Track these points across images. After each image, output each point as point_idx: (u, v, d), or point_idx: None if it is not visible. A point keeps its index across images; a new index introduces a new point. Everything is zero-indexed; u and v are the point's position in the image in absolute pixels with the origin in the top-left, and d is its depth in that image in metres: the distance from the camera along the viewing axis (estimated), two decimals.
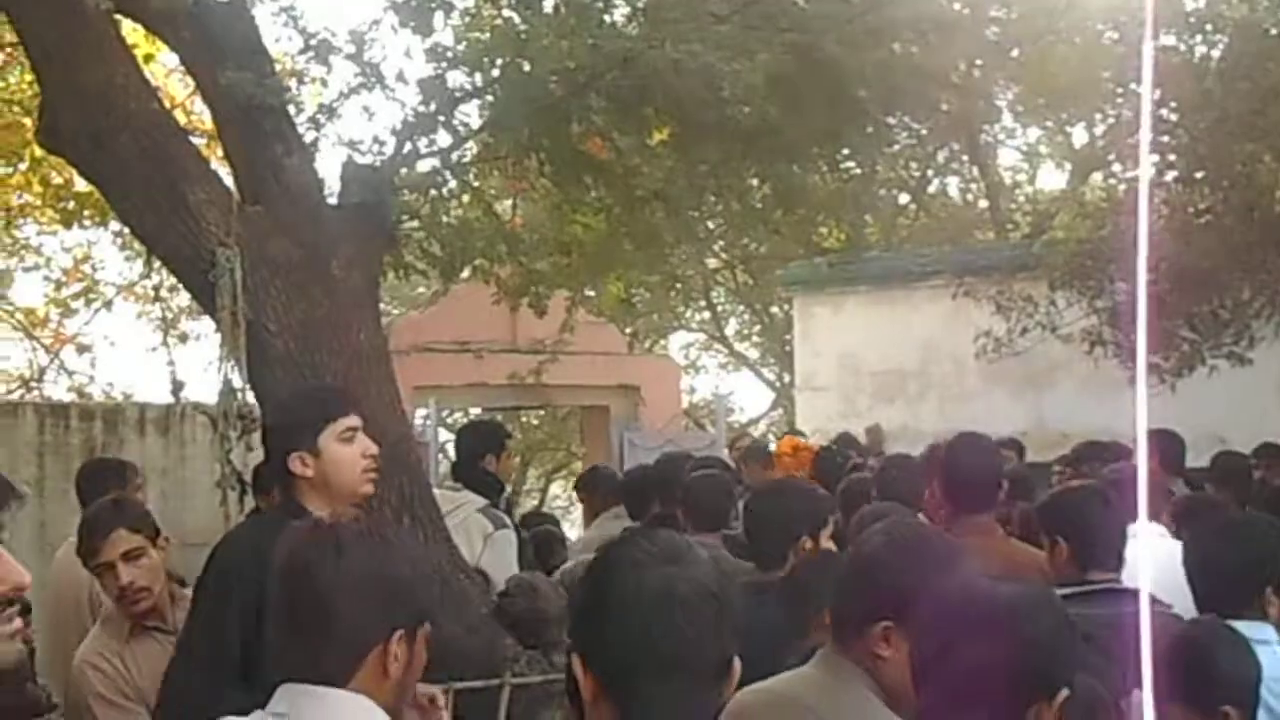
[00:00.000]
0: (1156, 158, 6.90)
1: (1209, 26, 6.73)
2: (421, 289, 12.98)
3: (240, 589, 3.06)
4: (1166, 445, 5.73)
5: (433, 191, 5.28)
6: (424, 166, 5.50)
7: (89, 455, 6.90)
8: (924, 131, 16.22)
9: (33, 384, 11.53)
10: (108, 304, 11.77)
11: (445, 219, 5.41)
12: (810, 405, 12.68)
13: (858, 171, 6.11)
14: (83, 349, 11.71)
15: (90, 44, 4.64)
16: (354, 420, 3.33)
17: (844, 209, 14.23)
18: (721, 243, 18.48)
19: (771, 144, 5.01)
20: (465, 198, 5.76)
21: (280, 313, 4.78)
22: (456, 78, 5.69)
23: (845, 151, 5.48)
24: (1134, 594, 3.15)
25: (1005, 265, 8.66)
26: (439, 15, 5.59)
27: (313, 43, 6.14)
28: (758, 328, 23.13)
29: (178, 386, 7.84)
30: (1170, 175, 6.94)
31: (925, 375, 11.49)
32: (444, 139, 5.69)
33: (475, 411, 10.92)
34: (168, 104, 8.33)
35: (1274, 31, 6.47)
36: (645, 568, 1.68)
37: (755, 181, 5.54)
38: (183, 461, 7.58)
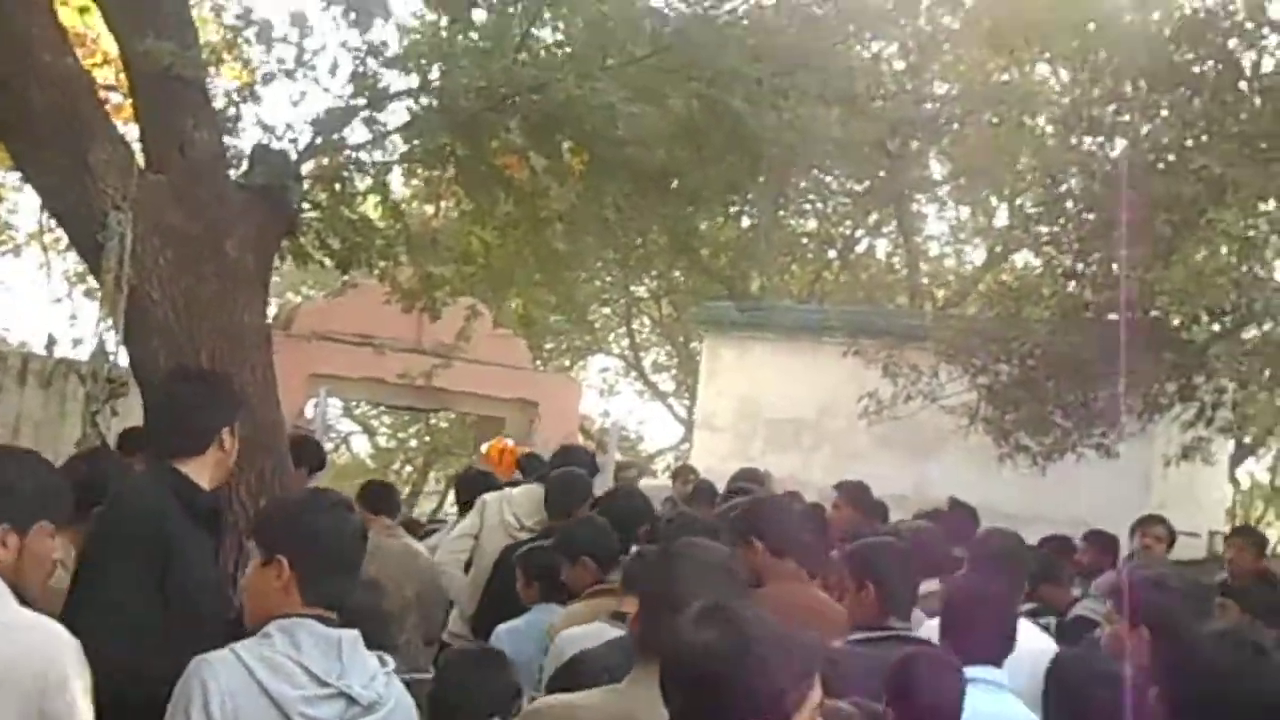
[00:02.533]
0: (1051, 249, 7.18)
1: (1104, 132, 7.03)
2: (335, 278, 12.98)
3: (155, 550, 3.30)
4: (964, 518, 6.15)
5: (337, 185, 5.32)
6: (339, 159, 5.61)
7: None
8: (856, 191, 16.72)
9: None
10: (16, 249, 11.60)
11: (347, 213, 5.46)
12: (707, 444, 12.85)
13: (755, 223, 6.27)
14: None
15: None
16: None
17: (744, 257, 14.57)
18: (653, 273, 18.83)
19: (672, 186, 5.15)
20: (372, 197, 5.83)
21: (165, 283, 4.81)
22: (390, 77, 5.80)
23: (743, 203, 5.62)
24: (919, 641, 3.42)
25: (899, 331, 8.89)
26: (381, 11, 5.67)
27: (254, 19, 6.25)
28: (675, 361, 23.37)
29: (51, 341, 7.77)
30: (1059, 268, 7.22)
31: (819, 428, 11.71)
32: (361, 135, 5.80)
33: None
34: (100, 58, 8.33)
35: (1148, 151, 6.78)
36: None
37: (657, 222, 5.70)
38: (61, 417, 7.52)
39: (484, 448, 8.76)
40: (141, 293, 4.76)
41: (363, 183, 5.67)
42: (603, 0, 5.26)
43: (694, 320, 14.69)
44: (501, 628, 4.69)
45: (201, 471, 3.54)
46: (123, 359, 4.91)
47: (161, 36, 4.95)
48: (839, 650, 3.27)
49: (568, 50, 5.18)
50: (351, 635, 2.69)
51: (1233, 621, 4.16)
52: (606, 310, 21.91)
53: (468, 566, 5.93)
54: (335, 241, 5.59)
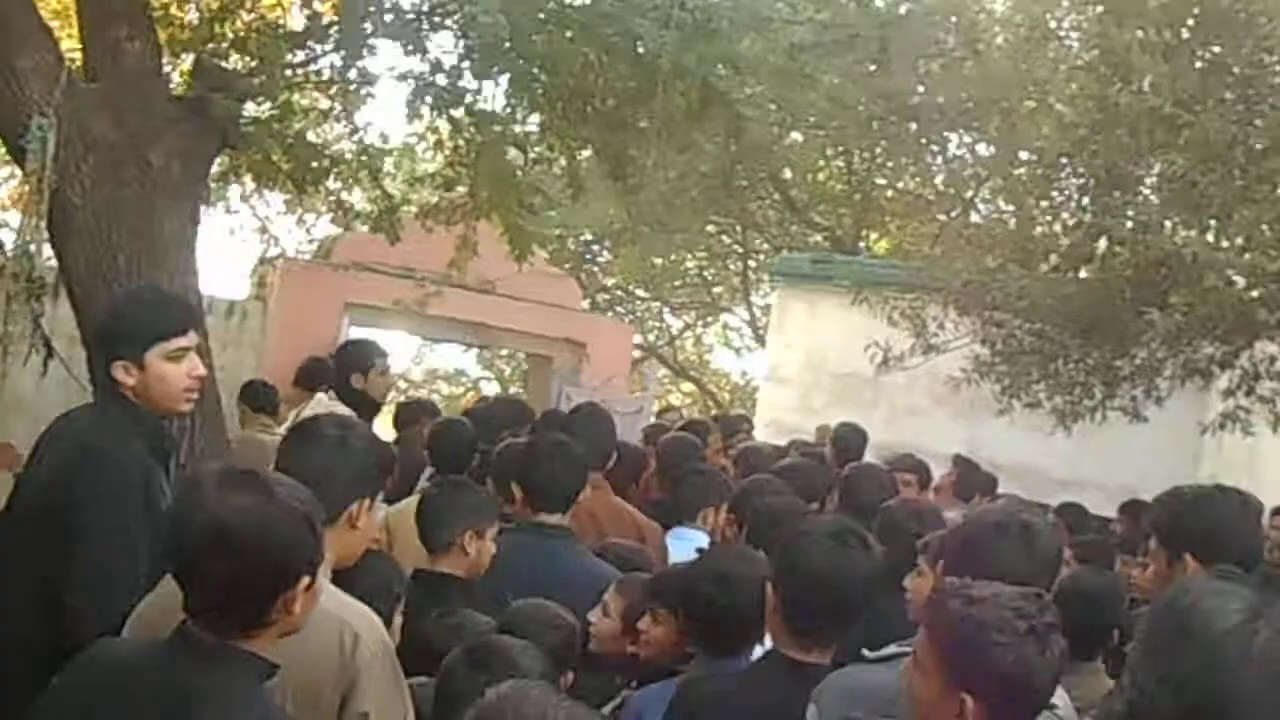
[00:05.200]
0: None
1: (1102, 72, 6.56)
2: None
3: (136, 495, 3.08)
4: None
5: (271, 101, 5.35)
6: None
7: None
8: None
9: None
10: None
11: (281, 130, 5.48)
12: (772, 396, 12.67)
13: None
14: None
15: None
16: (186, 340, 3.27)
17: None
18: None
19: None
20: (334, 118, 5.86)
21: (87, 188, 4.94)
22: None
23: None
24: None
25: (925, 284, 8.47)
26: None
27: None
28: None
29: None
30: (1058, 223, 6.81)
31: (879, 385, 11.38)
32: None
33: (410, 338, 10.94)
34: None
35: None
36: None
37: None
38: None
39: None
40: (63, 197, 4.89)
41: (316, 101, 5.67)
42: None
43: (768, 271, 14.42)
44: None
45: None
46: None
47: None
48: None
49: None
50: None
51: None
52: (731, 268, 21.75)
53: None
54: (282, 160, 5.63)
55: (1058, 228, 6.90)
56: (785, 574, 2.83)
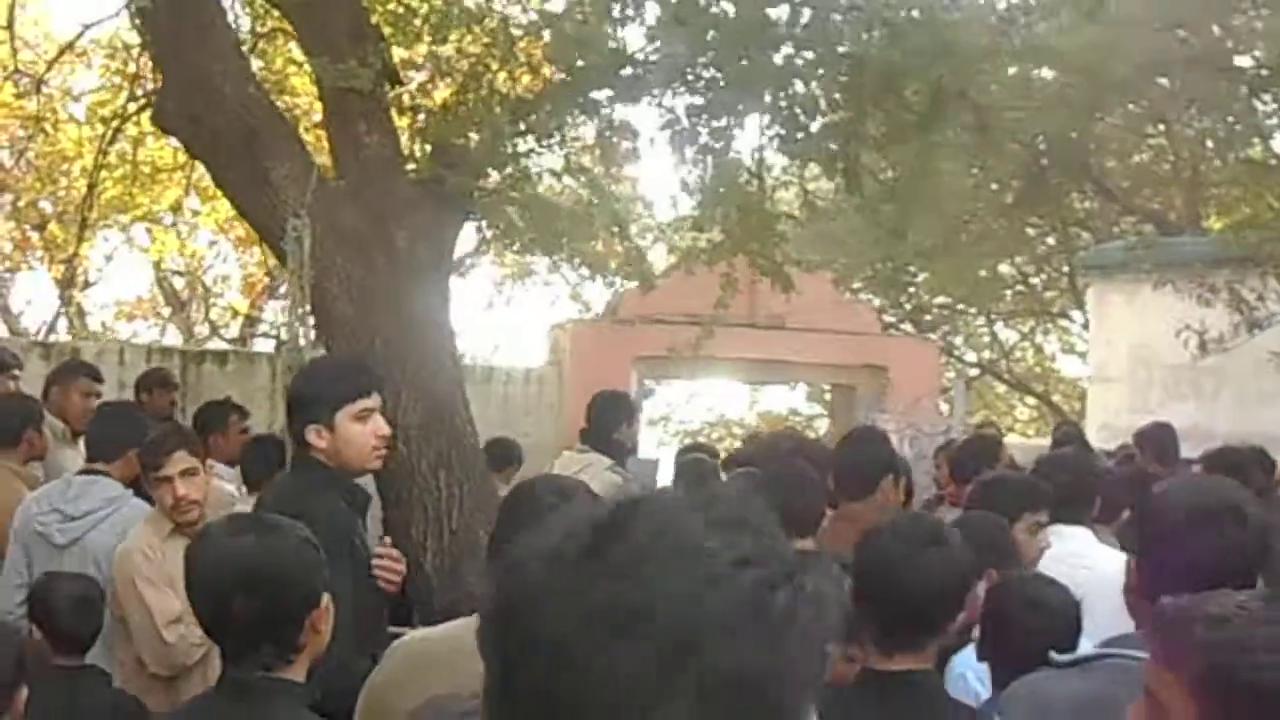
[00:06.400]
0: None
1: None
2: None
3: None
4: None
5: (508, 169, 5.52)
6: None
7: None
8: None
9: None
10: None
11: (530, 195, 5.63)
12: (1101, 397, 11.84)
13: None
14: None
15: (196, 35, 5.28)
16: (371, 401, 3.48)
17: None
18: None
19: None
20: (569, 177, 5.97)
21: (341, 278, 5.25)
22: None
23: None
24: None
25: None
26: None
27: None
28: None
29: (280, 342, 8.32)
30: None
31: (1220, 372, 10.39)
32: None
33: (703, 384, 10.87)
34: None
35: None
36: None
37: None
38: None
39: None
40: (322, 289, 5.22)
41: (551, 161, 5.81)
42: None
43: (1079, 267, 13.50)
44: None
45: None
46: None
47: (336, 55, 5.40)
48: None
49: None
50: None
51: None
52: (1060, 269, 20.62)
53: None
54: (520, 224, 5.78)
55: None
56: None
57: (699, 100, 5.38)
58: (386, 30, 5.78)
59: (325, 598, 2.22)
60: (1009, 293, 21.66)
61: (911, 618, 2.47)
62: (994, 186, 14.75)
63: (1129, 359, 11.44)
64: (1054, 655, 2.25)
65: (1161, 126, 14.61)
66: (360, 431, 3.42)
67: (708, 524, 0.97)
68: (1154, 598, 2.03)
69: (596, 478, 5.66)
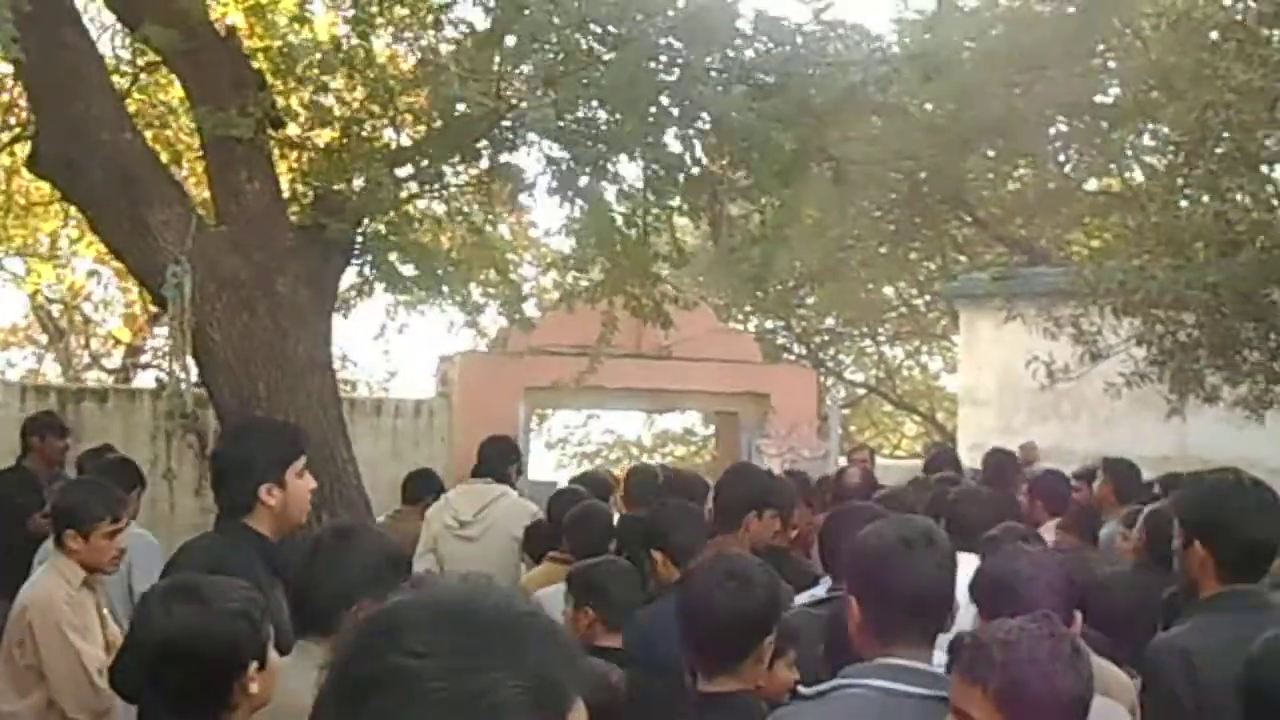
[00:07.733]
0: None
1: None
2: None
3: None
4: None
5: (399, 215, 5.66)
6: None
7: None
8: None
9: None
10: None
11: (410, 240, 5.78)
12: (972, 419, 12.35)
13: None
14: None
15: (69, 79, 5.30)
16: (304, 457, 3.59)
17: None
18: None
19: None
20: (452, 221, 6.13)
21: (223, 324, 5.33)
22: None
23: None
24: None
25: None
26: None
27: None
28: None
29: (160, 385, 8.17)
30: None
31: (1076, 395, 10.91)
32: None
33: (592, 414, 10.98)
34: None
35: None
36: None
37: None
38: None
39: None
40: (204, 335, 5.30)
41: (434, 207, 5.95)
42: None
43: (946, 296, 14.05)
44: None
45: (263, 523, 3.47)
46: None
47: (217, 104, 5.48)
48: None
49: None
50: None
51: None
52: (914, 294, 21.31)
53: None
54: (407, 268, 5.91)
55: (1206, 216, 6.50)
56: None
57: (572, 152, 5.61)
58: (269, 77, 5.87)
59: (255, 664, 2.35)
60: (894, 315, 22.31)
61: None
62: (876, 214, 15.28)
63: (996, 383, 11.94)
64: (800, 689, 2.52)
65: (1029, 158, 15.29)
66: (301, 486, 3.53)
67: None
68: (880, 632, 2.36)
69: (515, 506, 5.83)
